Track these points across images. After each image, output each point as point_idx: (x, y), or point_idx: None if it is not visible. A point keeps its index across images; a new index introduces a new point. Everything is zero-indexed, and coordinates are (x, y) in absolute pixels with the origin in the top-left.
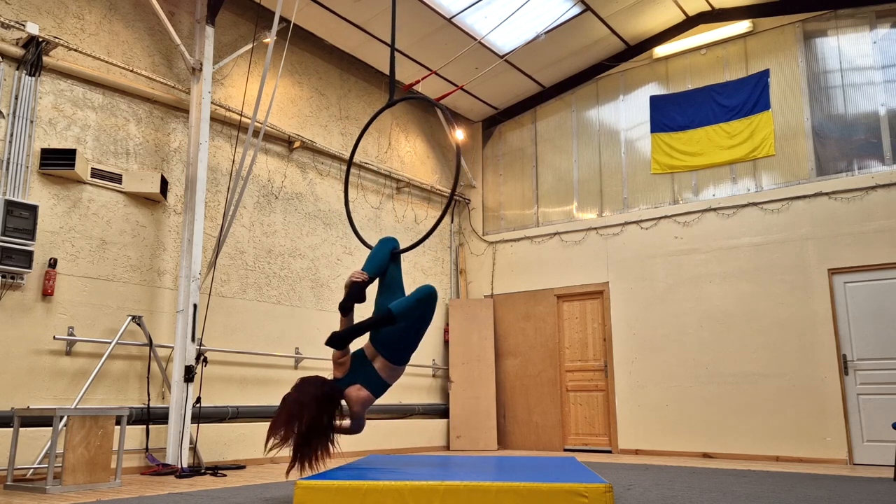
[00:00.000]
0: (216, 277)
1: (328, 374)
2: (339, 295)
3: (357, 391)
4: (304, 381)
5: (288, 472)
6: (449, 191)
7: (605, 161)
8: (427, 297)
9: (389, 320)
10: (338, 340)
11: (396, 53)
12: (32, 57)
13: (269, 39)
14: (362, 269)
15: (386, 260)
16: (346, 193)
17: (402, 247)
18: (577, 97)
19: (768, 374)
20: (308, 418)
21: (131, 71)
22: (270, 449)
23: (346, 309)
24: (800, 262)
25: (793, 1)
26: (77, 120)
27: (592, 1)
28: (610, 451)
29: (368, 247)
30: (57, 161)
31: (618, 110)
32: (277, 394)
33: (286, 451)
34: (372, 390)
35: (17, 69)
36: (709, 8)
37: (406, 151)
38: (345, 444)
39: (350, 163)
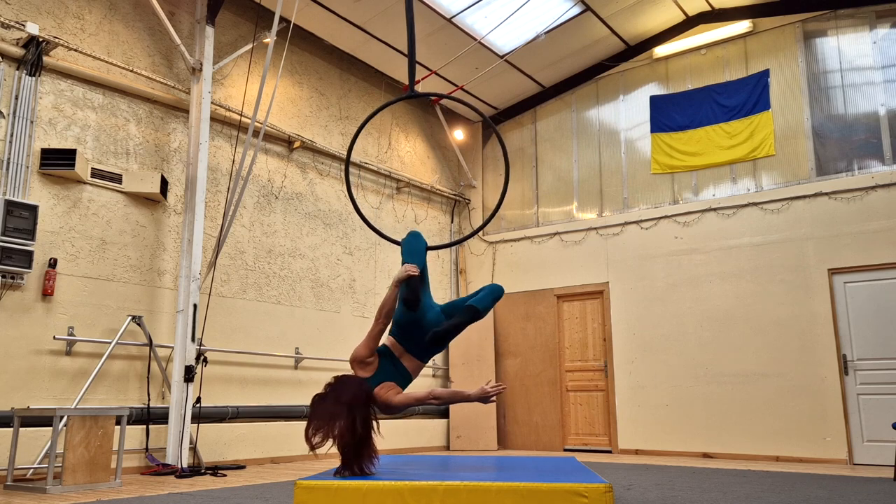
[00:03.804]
0: (216, 277)
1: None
2: (340, 295)
3: (387, 391)
4: (340, 383)
5: (337, 474)
6: (449, 190)
7: (605, 161)
8: (498, 295)
9: (476, 316)
10: (441, 340)
11: (396, 54)
12: (32, 57)
13: (269, 39)
14: (410, 263)
15: (425, 253)
16: (348, 185)
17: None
18: (577, 97)
19: (768, 374)
20: (344, 425)
21: (131, 71)
22: (313, 449)
23: (415, 304)
24: (800, 262)
25: (793, 1)
26: (77, 120)
27: (592, 1)
28: (610, 451)
29: (389, 240)
30: (57, 161)
31: (618, 110)
32: (277, 394)
33: (285, 452)
34: (403, 387)
35: (17, 69)
36: (709, 8)
37: (406, 151)
38: None
39: (349, 158)
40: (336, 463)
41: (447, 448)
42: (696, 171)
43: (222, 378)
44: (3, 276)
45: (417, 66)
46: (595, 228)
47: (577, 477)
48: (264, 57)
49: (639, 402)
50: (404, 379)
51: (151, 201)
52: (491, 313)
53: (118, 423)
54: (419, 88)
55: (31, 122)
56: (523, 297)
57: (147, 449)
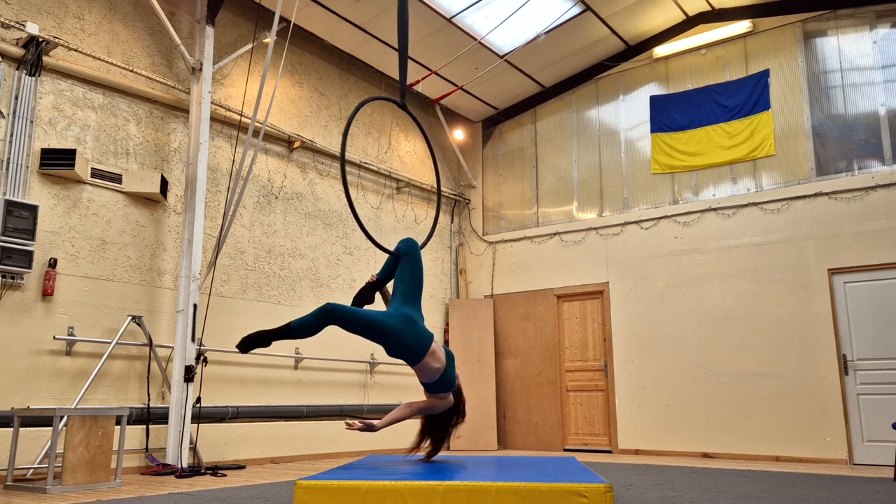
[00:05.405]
0: (216, 277)
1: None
2: (339, 295)
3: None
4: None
5: (429, 457)
6: (449, 190)
7: (605, 161)
8: (321, 314)
9: (286, 333)
10: (242, 345)
11: (396, 53)
12: (32, 57)
13: (269, 39)
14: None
15: (390, 261)
16: (345, 185)
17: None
18: (577, 97)
19: (768, 374)
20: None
21: (131, 71)
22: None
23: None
24: (800, 262)
25: (793, 1)
26: (77, 120)
27: (592, 1)
28: (610, 451)
29: (377, 245)
30: (57, 161)
31: (618, 110)
32: (277, 394)
33: (285, 452)
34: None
35: (17, 69)
36: (709, 8)
37: (406, 151)
38: (345, 444)
39: (343, 157)
40: (332, 465)
41: (447, 448)
42: (696, 171)
43: (222, 378)
44: (3, 276)
45: (417, 65)
46: (595, 228)
47: (577, 477)
48: (264, 57)
49: (639, 402)
50: (436, 382)
51: (151, 201)
52: (491, 313)
53: (118, 423)
54: (419, 88)
55: (31, 122)
56: (523, 297)
57: (147, 449)
